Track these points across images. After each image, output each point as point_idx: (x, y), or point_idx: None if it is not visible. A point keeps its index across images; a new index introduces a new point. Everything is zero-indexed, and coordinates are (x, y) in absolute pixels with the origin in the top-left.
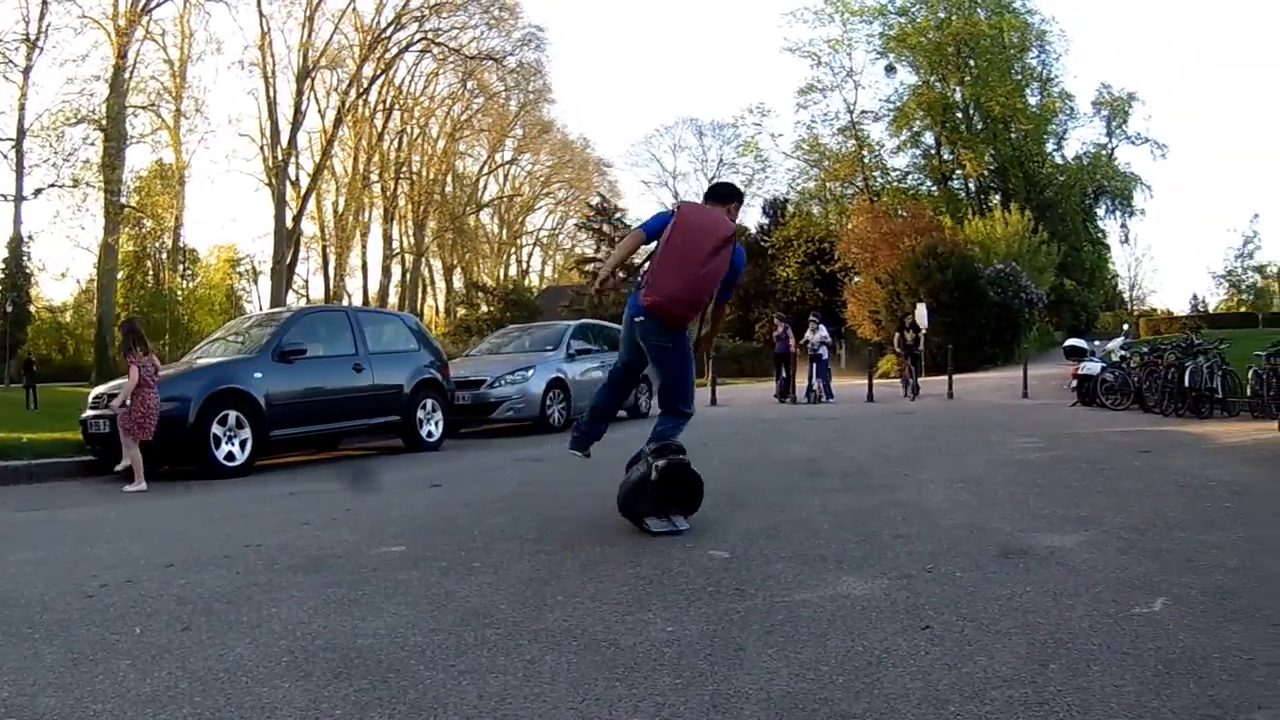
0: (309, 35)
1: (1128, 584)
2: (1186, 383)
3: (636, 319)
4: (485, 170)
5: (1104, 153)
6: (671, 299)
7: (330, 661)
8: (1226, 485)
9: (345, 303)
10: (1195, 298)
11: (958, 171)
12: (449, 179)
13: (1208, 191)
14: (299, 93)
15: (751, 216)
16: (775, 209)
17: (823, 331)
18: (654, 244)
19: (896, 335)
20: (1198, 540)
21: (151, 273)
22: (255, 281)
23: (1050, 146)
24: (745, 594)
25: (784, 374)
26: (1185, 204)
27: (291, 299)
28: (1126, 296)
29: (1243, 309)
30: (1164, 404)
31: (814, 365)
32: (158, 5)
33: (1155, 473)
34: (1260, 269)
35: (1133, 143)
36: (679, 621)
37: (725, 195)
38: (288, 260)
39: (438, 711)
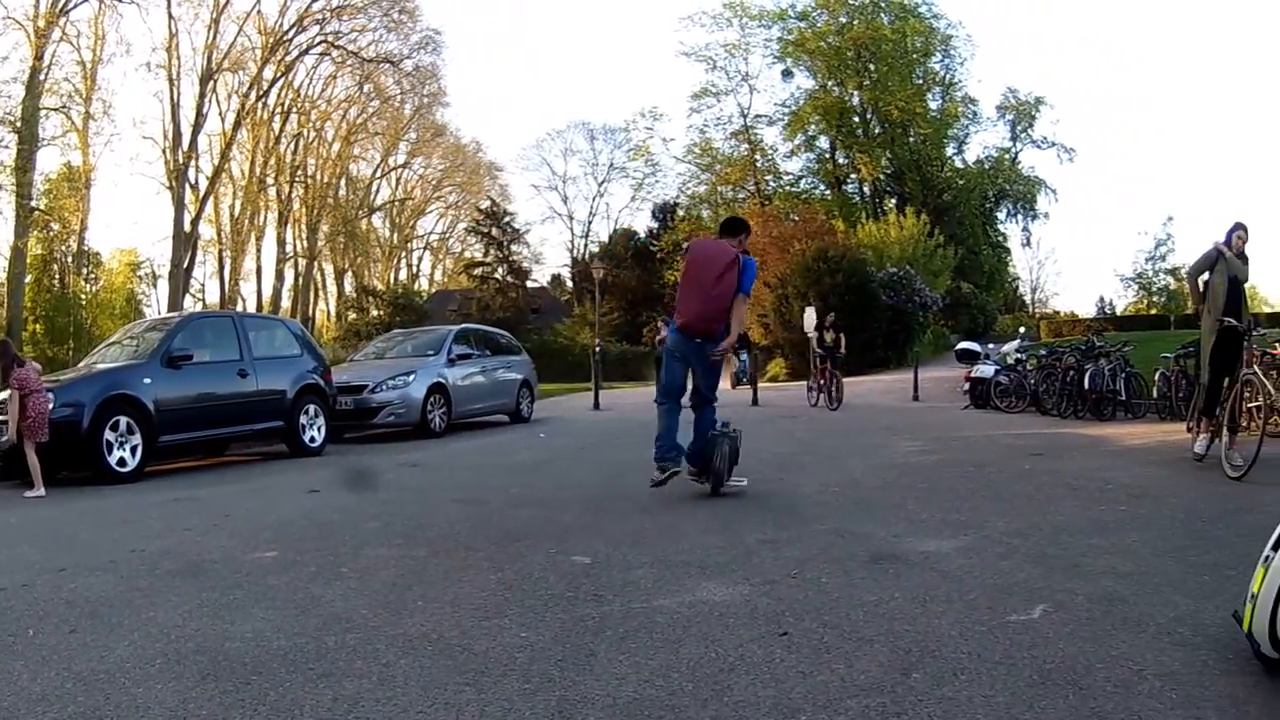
0: (214, 37)
1: (1005, 590)
2: (1086, 385)
3: (674, 339)
4: (378, 174)
5: (1007, 156)
6: (696, 318)
7: (200, 664)
8: (1124, 488)
9: (240, 307)
10: (1102, 300)
11: (853, 176)
12: (343, 182)
13: (1121, 195)
14: (201, 95)
15: (641, 220)
16: (665, 213)
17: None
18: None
19: (815, 336)
20: (1087, 545)
21: (57, 276)
22: (155, 285)
23: (951, 150)
24: (603, 600)
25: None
26: (1097, 207)
27: (189, 303)
28: (1028, 299)
29: (1153, 311)
30: (1062, 406)
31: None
32: (75, 6)
33: (1046, 476)
34: (1173, 271)
35: (1038, 146)
36: (533, 627)
37: (735, 228)
38: (185, 264)
39: (295, 713)
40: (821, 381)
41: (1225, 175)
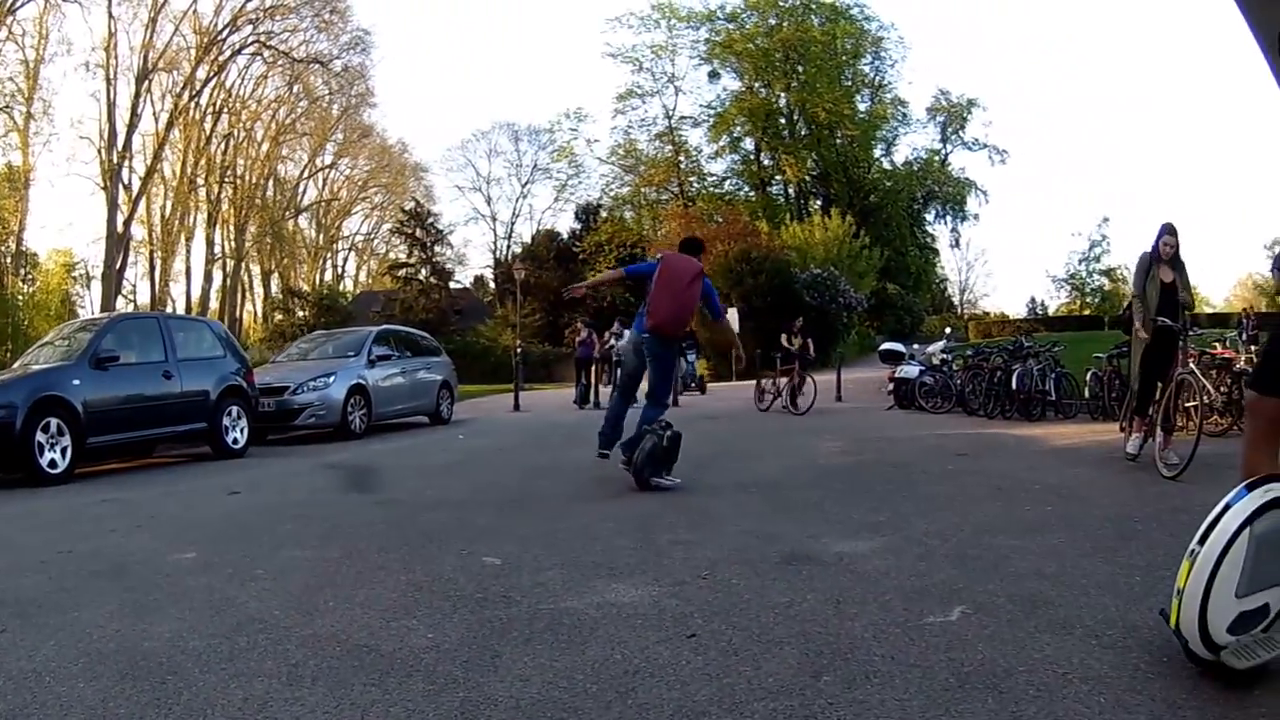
0: (151, 36)
1: (922, 592)
2: (1014, 385)
3: (643, 336)
4: (305, 174)
5: (937, 158)
6: (667, 320)
7: (119, 663)
8: (1051, 488)
9: (169, 309)
10: (1033, 301)
11: (777, 177)
12: (270, 183)
13: (1055, 196)
14: (137, 95)
15: (564, 222)
16: (588, 214)
17: (627, 336)
18: (629, 279)
19: (783, 336)
20: (1010, 546)
21: None
22: (89, 287)
23: (879, 152)
24: (511, 601)
25: (584, 380)
26: (1030, 208)
27: (121, 304)
28: (957, 300)
29: (1087, 312)
30: (989, 407)
31: (617, 370)
32: (21, 5)
33: (969, 476)
34: (1108, 272)
35: (969, 148)
36: (440, 628)
37: (695, 248)
38: (118, 265)
39: (207, 713)
40: (781, 384)
41: (1160, 176)
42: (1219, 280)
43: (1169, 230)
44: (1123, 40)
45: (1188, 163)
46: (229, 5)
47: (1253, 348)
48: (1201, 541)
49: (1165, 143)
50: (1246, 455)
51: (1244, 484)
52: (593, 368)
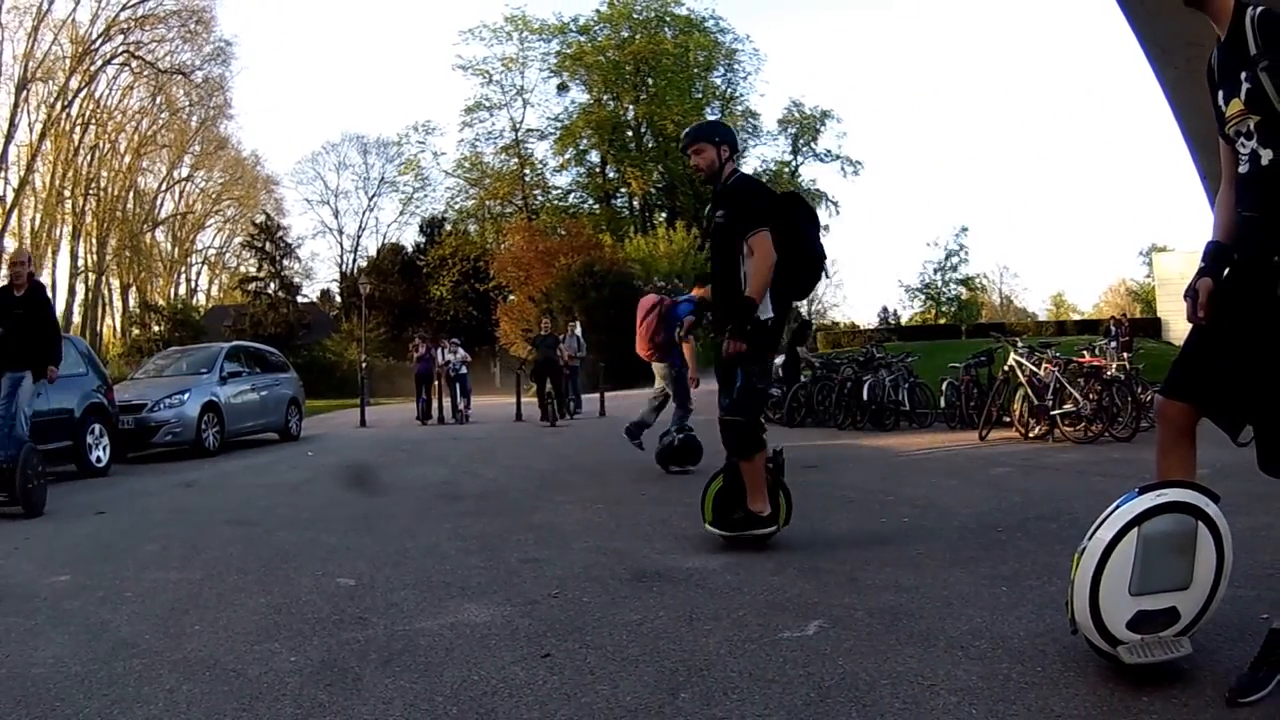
0: (32, 45)
1: (777, 607)
2: (865, 396)
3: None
4: (163, 187)
5: (787, 170)
6: (640, 348)
7: (12, 690)
8: (906, 499)
9: None
10: (885, 310)
11: (622, 190)
12: (131, 195)
13: (913, 207)
14: (15, 105)
15: (409, 235)
16: (433, 227)
17: (461, 351)
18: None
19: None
20: (866, 558)
21: None
22: None
23: None
24: (368, 623)
25: (424, 395)
26: (888, 219)
27: None
28: (805, 311)
29: (943, 321)
30: (839, 418)
31: (456, 385)
32: None
33: (820, 489)
34: (965, 281)
35: (821, 160)
36: (302, 651)
37: (659, 290)
38: None
39: None
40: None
41: (1026, 185)
42: (1089, 287)
43: None
44: (990, 50)
45: (1055, 171)
46: (104, 14)
47: (1124, 355)
48: (1091, 537)
49: (1031, 152)
50: (1158, 460)
51: (1138, 487)
52: (433, 383)
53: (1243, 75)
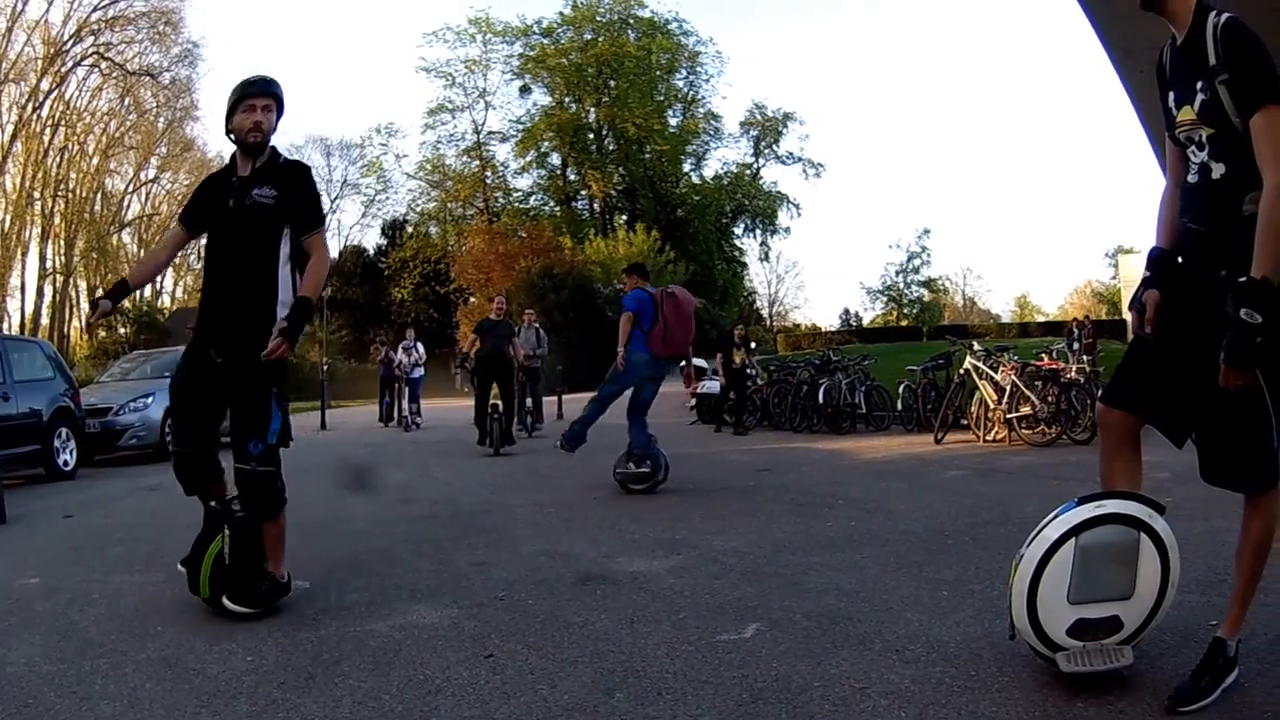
0: (5, 46)
1: (717, 610)
2: (821, 399)
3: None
4: (130, 189)
5: (748, 172)
6: (679, 345)
7: None
8: (856, 502)
9: (4, 326)
10: (847, 312)
11: (583, 192)
12: (99, 197)
13: (875, 209)
14: None
15: (370, 237)
16: (394, 230)
17: (416, 353)
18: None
19: (720, 356)
20: (809, 562)
21: None
22: None
23: (689, 166)
24: (320, 624)
25: (387, 397)
26: (850, 221)
27: None
28: (766, 313)
29: (904, 323)
30: (795, 421)
31: (409, 388)
32: None
33: (770, 492)
34: (928, 283)
35: (783, 162)
36: (258, 651)
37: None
38: None
39: None
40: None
41: (990, 187)
42: (1054, 289)
43: None
44: (955, 53)
45: (1020, 173)
46: (75, 15)
47: (1086, 358)
48: (1028, 546)
49: (996, 154)
50: (1101, 468)
51: (1077, 498)
52: (394, 386)
53: (1199, 84)
